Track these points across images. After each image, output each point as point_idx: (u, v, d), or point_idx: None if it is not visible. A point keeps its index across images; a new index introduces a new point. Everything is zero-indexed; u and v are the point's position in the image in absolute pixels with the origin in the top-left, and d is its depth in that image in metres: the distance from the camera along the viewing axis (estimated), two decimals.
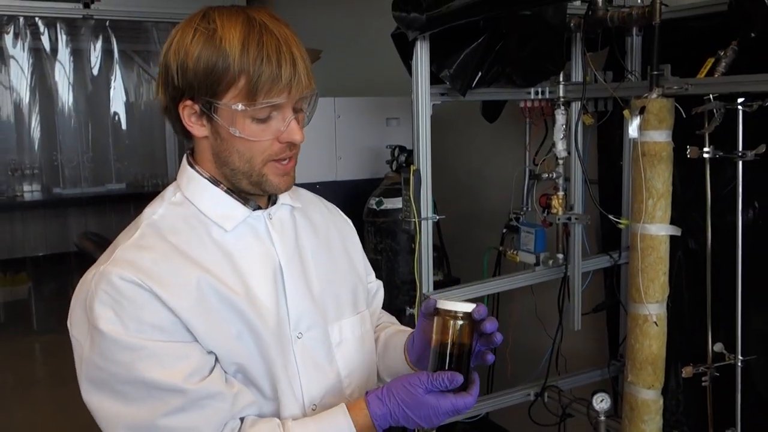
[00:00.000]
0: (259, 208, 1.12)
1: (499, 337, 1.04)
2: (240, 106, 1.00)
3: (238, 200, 1.10)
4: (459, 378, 0.99)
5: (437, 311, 1.04)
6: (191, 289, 1.01)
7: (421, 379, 0.99)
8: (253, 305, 1.05)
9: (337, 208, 1.33)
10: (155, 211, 1.09)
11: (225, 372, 1.04)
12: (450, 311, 1.02)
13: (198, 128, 1.06)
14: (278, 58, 0.99)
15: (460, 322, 1.02)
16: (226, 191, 1.09)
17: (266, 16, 1.04)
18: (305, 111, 1.07)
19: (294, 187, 1.25)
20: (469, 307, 1.02)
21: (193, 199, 1.09)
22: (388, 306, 1.41)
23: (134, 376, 0.97)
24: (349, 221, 1.33)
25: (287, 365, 1.08)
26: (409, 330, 1.26)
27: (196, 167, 1.11)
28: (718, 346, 1.81)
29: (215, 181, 1.09)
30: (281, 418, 1.07)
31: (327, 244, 1.22)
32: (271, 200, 1.15)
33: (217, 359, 1.04)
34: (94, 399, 1.00)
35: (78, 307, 1.02)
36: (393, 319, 1.41)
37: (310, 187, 1.29)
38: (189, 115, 1.05)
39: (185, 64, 1.01)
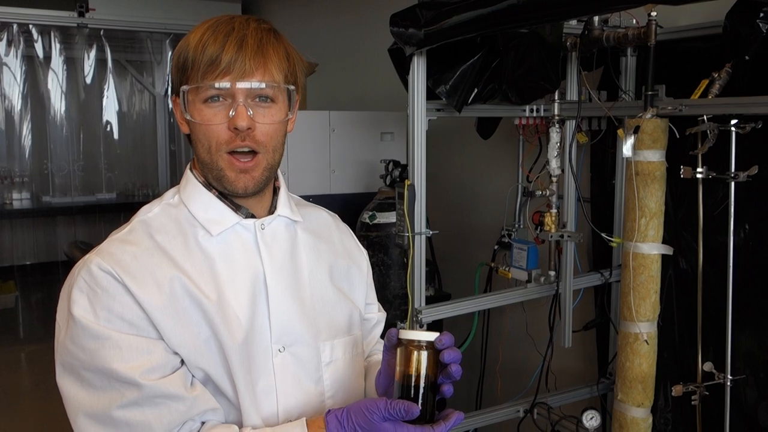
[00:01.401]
0: (253, 216, 1.12)
1: (457, 370, 0.99)
2: (185, 87, 1.04)
3: (229, 206, 1.10)
4: (415, 410, 0.95)
5: (400, 342, 1.01)
6: (164, 288, 1.02)
7: (379, 405, 0.96)
8: (222, 313, 1.04)
9: (353, 236, 1.31)
10: (150, 210, 1.11)
11: (193, 376, 1.04)
12: (413, 341, 0.99)
13: (183, 125, 1.09)
14: (224, 43, 1.01)
15: (424, 352, 0.99)
16: (217, 196, 1.10)
17: (252, 18, 1.07)
18: (256, 102, 1.04)
19: (311, 205, 1.27)
20: (432, 336, 0.99)
21: (187, 202, 1.10)
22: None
23: (96, 364, 0.98)
24: (364, 251, 1.31)
25: (262, 377, 1.07)
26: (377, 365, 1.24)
27: (194, 171, 1.12)
28: (708, 366, 1.82)
29: (208, 186, 1.10)
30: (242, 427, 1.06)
31: (328, 262, 1.20)
32: (270, 211, 1.15)
33: (184, 364, 1.03)
34: (64, 383, 1.02)
35: (64, 295, 1.04)
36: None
37: (303, 199, 1.28)
38: (177, 111, 1.09)
39: (173, 64, 1.08)
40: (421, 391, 0.98)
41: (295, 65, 1.09)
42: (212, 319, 1.03)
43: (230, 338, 1.04)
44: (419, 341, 0.99)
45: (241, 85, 1.01)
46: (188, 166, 1.14)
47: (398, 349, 1.01)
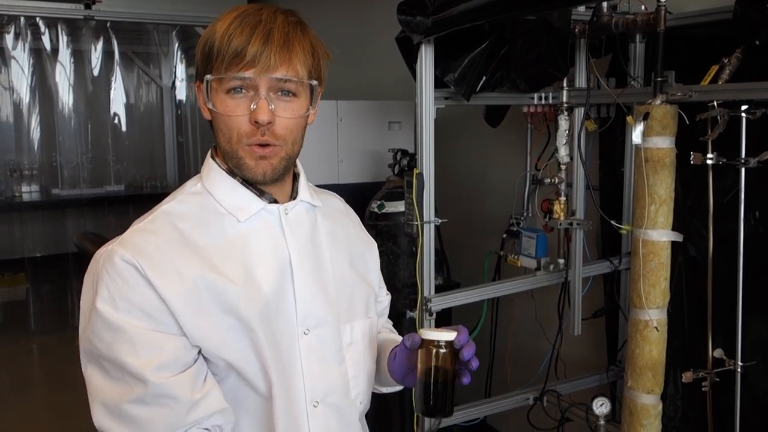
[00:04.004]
0: (276, 202, 1.13)
1: (475, 363, 1.08)
2: (209, 76, 1.04)
3: (253, 192, 1.11)
4: None
5: (422, 342, 1.08)
6: (186, 279, 1.02)
7: None
8: (250, 297, 1.05)
9: (361, 223, 1.35)
10: (173, 198, 1.12)
11: (209, 372, 1.04)
12: (433, 341, 1.07)
13: (205, 111, 1.10)
14: (250, 35, 1.01)
15: (443, 351, 1.07)
16: (241, 183, 1.10)
17: (280, 11, 1.07)
18: (279, 95, 1.05)
19: (323, 191, 1.28)
20: (451, 336, 1.07)
21: (211, 190, 1.11)
22: (389, 309, 1.41)
23: (112, 355, 1.00)
24: (373, 241, 1.34)
25: (290, 360, 1.08)
26: (393, 340, 1.29)
27: (216, 159, 1.13)
28: (718, 352, 1.82)
29: (231, 173, 1.11)
30: (274, 414, 1.07)
31: (347, 248, 1.23)
32: (291, 196, 1.16)
33: (200, 358, 1.04)
34: (87, 368, 1.04)
35: (88, 282, 1.05)
36: (390, 325, 1.42)
37: None
38: (200, 97, 1.09)
39: (198, 50, 1.09)
40: (441, 387, 1.07)
41: (320, 60, 1.10)
42: (237, 305, 1.04)
43: (261, 321, 1.05)
44: (439, 341, 1.07)
45: (265, 78, 1.02)
46: (209, 154, 1.15)
47: (420, 350, 1.08)
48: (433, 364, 1.06)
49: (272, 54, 1.01)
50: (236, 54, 1.01)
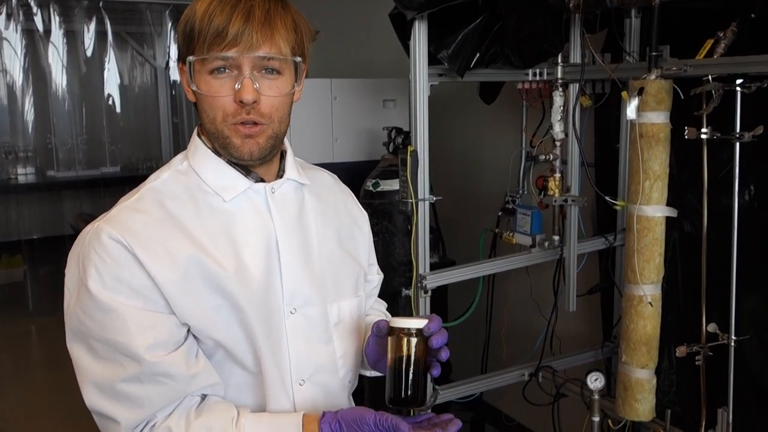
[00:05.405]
0: (263, 181, 1.12)
1: (444, 354, 1.06)
2: (192, 58, 1.02)
3: (239, 171, 1.10)
4: (403, 427, 0.98)
5: (391, 330, 1.05)
6: (174, 258, 1.02)
7: (369, 417, 0.99)
8: (239, 277, 1.05)
9: (354, 197, 1.33)
10: (159, 176, 1.11)
11: (199, 348, 1.05)
12: (403, 329, 1.04)
13: (189, 92, 1.08)
14: (231, 14, 0.99)
15: (414, 339, 1.04)
16: (227, 162, 1.10)
17: None
18: (263, 74, 1.04)
19: (313, 167, 1.27)
20: (420, 323, 1.04)
21: (197, 169, 1.10)
22: (384, 288, 1.41)
23: (103, 335, 0.99)
24: (365, 213, 1.33)
25: (277, 339, 1.09)
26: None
27: (202, 137, 1.12)
28: (712, 327, 1.82)
29: (217, 152, 1.10)
30: (265, 391, 1.08)
31: (335, 225, 1.22)
32: (278, 175, 1.15)
33: (190, 336, 1.04)
34: (74, 348, 1.03)
35: (73, 260, 1.05)
36: (382, 307, 1.42)
37: None
38: (183, 79, 1.07)
39: (178, 30, 1.07)
40: (411, 376, 1.03)
41: (303, 36, 1.08)
42: (226, 285, 1.04)
43: (249, 301, 1.05)
44: (409, 329, 1.04)
45: (248, 57, 1.00)
46: (195, 132, 1.14)
47: (389, 338, 1.05)
48: (404, 353, 1.03)
49: (254, 32, 0.99)
50: (217, 33, 0.99)
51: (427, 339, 1.05)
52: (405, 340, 1.03)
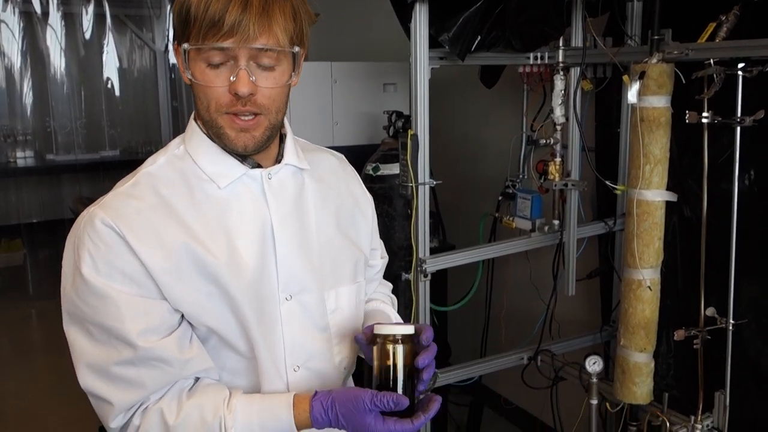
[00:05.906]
0: (260, 166, 1.11)
1: (427, 374, 1.02)
2: (186, 46, 1.00)
3: (235, 158, 1.08)
4: (405, 401, 0.97)
5: (376, 337, 1.02)
6: (167, 245, 1.02)
7: (365, 397, 0.97)
8: (231, 265, 1.04)
9: (359, 180, 1.31)
10: (156, 161, 1.10)
11: (193, 334, 1.05)
12: (388, 336, 1.00)
13: (185, 75, 1.05)
14: (228, 1, 0.96)
15: (400, 346, 1.00)
16: (223, 148, 1.08)
17: None
18: (259, 65, 1.01)
19: (319, 149, 1.25)
20: (408, 329, 1.00)
21: (193, 154, 1.09)
22: (384, 272, 1.40)
23: (98, 320, 1.00)
24: (369, 197, 1.30)
25: (271, 326, 1.08)
26: (371, 317, 1.25)
27: (198, 122, 1.10)
28: (710, 310, 1.83)
29: (212, 137, 1.08)
30: (259, 377, 1.08)
31: (335, 209, 1.20)
32: (277, 159, 1.13)
33: (184, 321, 1.05)
34: (70, 330, 1.04)
35: (69, 245, 1.05)
36: (387, 290, 1.41)
37: None
38: (179, 61, 1.05)
39: (173, 12, 1.04)
40: (400, 383, 1.00)
41: (303, 23, 1.04)
42: (218, 274, 1.03)
43: (240, 288, 1.05)
44: (395, 335, 1.00)
45: (244, 48, 0.98)
46: (192, 116, 1.12)
47: (375, 345, 1.02)
48: (390, 359, 0.99)
49: (251, 23, 0.96)
50: (213, 23, 0.96)
51: (414, 345, 1.02)
52: (391, 347, 1.00)
